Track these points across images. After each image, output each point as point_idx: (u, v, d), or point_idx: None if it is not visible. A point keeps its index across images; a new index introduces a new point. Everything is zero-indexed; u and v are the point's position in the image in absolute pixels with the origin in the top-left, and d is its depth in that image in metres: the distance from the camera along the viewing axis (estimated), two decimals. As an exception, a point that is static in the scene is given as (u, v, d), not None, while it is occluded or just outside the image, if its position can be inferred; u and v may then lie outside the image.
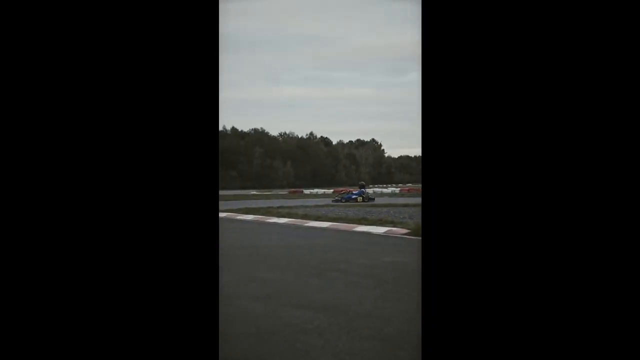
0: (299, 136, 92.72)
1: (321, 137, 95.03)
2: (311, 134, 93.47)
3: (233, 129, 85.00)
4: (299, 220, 13.86)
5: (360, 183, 28.58)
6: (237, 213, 17.41)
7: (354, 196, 26.22)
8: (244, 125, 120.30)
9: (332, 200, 26.73)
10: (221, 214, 17.53)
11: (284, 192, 53.39)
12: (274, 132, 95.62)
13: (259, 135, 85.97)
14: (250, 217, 15.74)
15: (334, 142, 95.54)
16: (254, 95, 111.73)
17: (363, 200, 25.78)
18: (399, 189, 50.68)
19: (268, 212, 17.13)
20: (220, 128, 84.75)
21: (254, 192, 53.05)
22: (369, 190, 33.58)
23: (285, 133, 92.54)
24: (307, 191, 50.42)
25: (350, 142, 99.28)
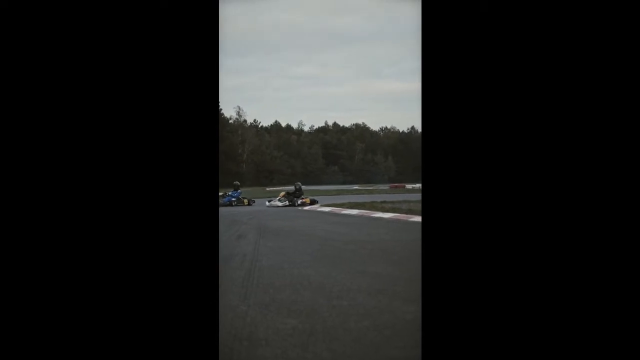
0: (400, 130, 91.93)
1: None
2: (412, 128, 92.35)
3: (335, 124, 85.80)
4: (403, 215, 13.75)
5: (235, 183, 23.29)
6: (342, 207, 17.60)
7: (233, 198, 21.72)
8: (345, 120, 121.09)
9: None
10: (326, 209, 17.81)
11: (385, 186, 53.12)
12: (375, 126, 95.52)
13: (360, 131, 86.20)
14: (355, 211, 15.84)
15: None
16: (355, 90, 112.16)
17: (248, 204, 21.93)
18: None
19: (372, 206, 17.16)
20: (322, 124, 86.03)
21: (356, 187, 53.27)
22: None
23: (386, 128, 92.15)
24: (409, 186, 49.76)
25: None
